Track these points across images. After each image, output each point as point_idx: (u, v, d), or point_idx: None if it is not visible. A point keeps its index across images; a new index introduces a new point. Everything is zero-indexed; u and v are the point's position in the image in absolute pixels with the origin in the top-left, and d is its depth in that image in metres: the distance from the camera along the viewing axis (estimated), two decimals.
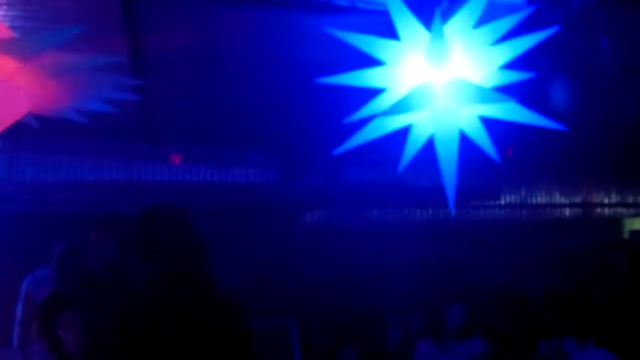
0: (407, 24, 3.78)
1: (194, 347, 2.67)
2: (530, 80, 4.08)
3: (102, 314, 4.52)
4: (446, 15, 3.92)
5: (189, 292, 2.77)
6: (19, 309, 6.25)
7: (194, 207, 2.96)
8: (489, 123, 4.33)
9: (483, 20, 3.85)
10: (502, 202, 9.13)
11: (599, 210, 9.95)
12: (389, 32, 3.89)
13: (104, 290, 4.60)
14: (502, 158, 4.44)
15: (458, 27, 3.81)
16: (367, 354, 6.59)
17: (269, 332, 7.26)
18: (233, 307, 2.84)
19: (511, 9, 4.10)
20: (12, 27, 4.30)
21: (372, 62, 4.06)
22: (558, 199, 9.49)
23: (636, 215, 10.23)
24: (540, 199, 9.39)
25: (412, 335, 6.31)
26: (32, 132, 5.57)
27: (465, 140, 4.38)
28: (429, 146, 4.40)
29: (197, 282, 2.80)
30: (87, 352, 4.77)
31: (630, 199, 10.05)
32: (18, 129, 5.18)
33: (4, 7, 4.75)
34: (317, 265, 7.53)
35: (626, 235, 10.15)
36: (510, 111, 4.15)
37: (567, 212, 9.64)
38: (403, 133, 4.41)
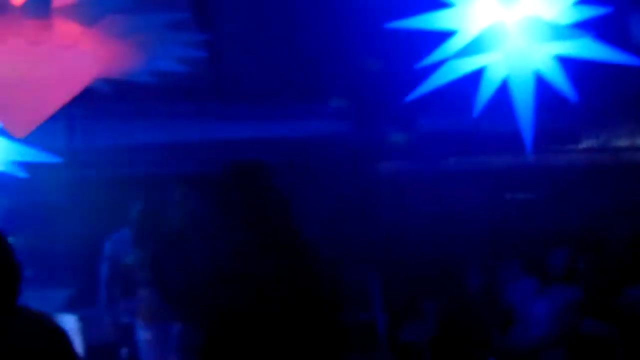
0: None
1: (284, 305, 2.61)
2: (607, 16, 3.92)
3: (183, 274, 4.58)
4: None
5: (276, 249, 2.72)
6: (103, 270, 6.40)
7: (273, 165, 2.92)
8: (565, 62, 4.18)
9: None
10: (582, 146, 8.90)
11: None
12: None
13: (184, 249, 4.64)
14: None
15: None
16: (447, 303, 6.53)
17: (349, 284, 7.27)
18: (321, 258, 2.79)
19: None
20: None
21: (441, 4, 3.95)
22: None
23: None
24: (622, 142, 9.11)
25: (496, 282, 6.24)
26: (103, 97, 5.64)
27: (541, 82, 4.25)
28: (504, 89, 4.28)
29: (284, 237, 2.75)
30: (172, 310, 4.84)
31: None
32: (89, 95, 5.23)
33: None
34: (394, 216, 7.47)
35: None
36: (587, 48, 3.99)
37: None
38: (476, 76, 4.29)
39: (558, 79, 4.23)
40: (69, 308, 7.11)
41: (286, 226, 2.77)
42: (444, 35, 4.09)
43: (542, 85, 4.24)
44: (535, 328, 5.43)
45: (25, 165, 6.41)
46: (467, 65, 4.16)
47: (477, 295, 6.53)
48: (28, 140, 6.15)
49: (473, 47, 3.87)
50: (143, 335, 5.55)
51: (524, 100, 4.17)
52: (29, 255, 7.01)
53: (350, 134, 8.10)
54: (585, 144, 8.99)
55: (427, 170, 8.08)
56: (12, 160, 6.31)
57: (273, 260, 2.70)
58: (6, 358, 2.20)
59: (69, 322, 6.80)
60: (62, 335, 2.40)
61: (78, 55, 4.22)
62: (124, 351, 6.21)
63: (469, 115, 4.53)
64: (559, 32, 3.79)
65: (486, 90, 4.33)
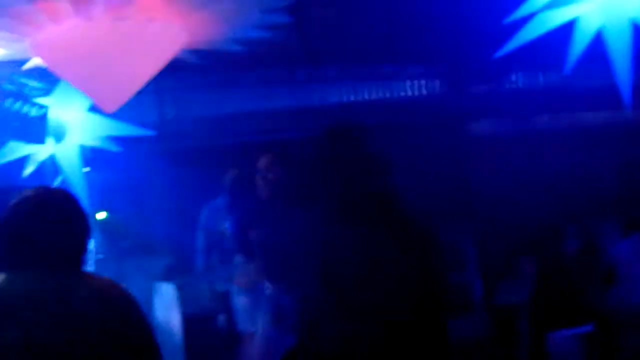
0: None
1: (381, 267, 2.57)
2: None
3: (273, 242, 4.59)
4: None
5: (374, 213, 2.66)
6: (199, 238, 6.49)
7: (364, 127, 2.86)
8: None
9: None
10: None
11: None
12: None
13: (272, 218, 4.65)
14: None
15: None
16: (545, 264, 6.39)
17: (445, 244, 7.19)
18: (422, 224, 2.73)
19: None
20: None
21: None
22: None
23: None
24: None
25: (596, 242, 6.06)
26: (193, 68, 5.67)
27: (638, 31, 4.05)
28: (598, 41, 4.10)
29: (381, 201, 2.69)
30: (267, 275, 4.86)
31: None
32: (178, 67, 5.27)
33: None
34: (488, 176, 7.33)
35: None
36: None
37: None
38: (568, 28, 4.12)
39: None
40: (167, 277, 7.27)
41: (383, 190, 2.71)
42: None
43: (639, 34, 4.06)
44: None
45: (118, 139, 6.54)
46: (558, 17, 4.01)
47: (576, 256, 6.37)
48: (120, 115, 6.28)
49: None
50: (239, 301, 5.61)
51: (620, 51, 3.99)
52: (126, 227, 7.22)
53: (442, 94, 7.96)
54: None
55: (520, 129, 7.89)
56: (105, 135, 6.45)
57: (370, 224, 2.65)
58: (69, 319, 2.22)
59: (167, 291, 6.96)
60: (129, 301, 2.39)
61: (163, 28, 4.24)
62: (221, 318, 6.31)
63: (562, 70, 4.37)
64: None
65: (579, 42, 4.16)
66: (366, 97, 7.89)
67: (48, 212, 2.35)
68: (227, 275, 5.93)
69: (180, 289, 6.76)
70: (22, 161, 6.26)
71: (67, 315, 2.21)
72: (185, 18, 4.24)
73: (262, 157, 5.03)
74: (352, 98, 7.85)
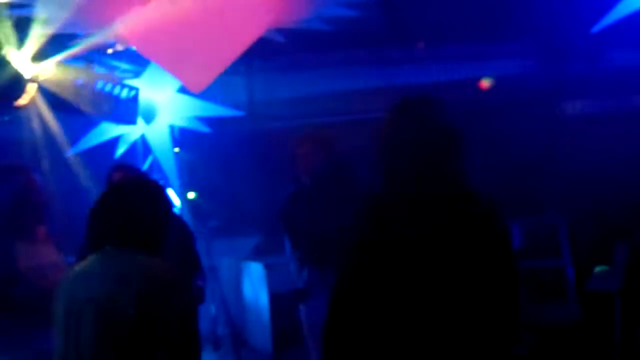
0: None
1: (443, 259, 2.41)
2: None
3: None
4: None
5: (436, 192, 2.52)
6: None
7: (453, 107, 2.74)
8: None
9: None
10: None
11: None
12: None
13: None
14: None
15: None
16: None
17: (538, 228, 7.04)
18: (488, 211, 2.54)
19: None
20: None
21: None
22: None
23: None
24: None
25: None
26: (281, 48, 5.66)
27: None
28: None
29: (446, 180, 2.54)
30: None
31: None
32: (266, 47, 5.26)
33: None
34: (582, 158, 7.09)
35: None
36: None
37: None
38: None
39: None
40: (256, 256, 7.32)
41: (453, 166, 2.54)
42: None
43: None
44: None
45: (208, 120, 6.61)
46: None
47: None
48: (210, 96, 6.33)
49: None
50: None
51: None
52: (216, 207, 7.30)
53: (535, 72, 7.74)
54: None
55: (616, 108, 7.60)
56: (195, 116, 6.53)
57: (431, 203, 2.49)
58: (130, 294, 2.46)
59: (256, 270, 7.01)
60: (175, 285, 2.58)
61: (249, 7, 4.23)
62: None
63: None
64: None
65: None
66: (456, 76, 7.72)
67: (133, 200, 2.65)
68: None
69: (268, 268, 6.79)
70: (114, 142, 6.40)
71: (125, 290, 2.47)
72: None
73: (302, 142, 4.86)
74: (441, 77, 7.71)
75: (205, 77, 4.35)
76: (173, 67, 4.44)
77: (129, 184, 2.94)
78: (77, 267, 2.65)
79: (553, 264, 6.98)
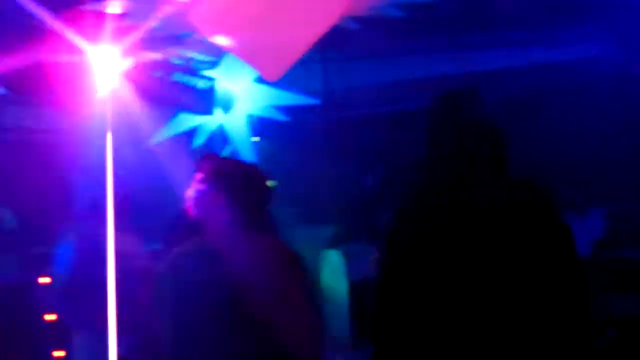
0: None
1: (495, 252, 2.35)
2: None
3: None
4: None
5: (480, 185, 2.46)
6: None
7: (530, 93, 2.66)
8: None
9: None
10: None
11: None
12: None
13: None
14: None
15: None
16: None
17: (623, 216, 6.86)
18: (537, 200, 2.45)
19: None
20: None
21: None
22: None
23: None
24: None
25: None
26: (356, 35, 5.64)
27: None
28: None
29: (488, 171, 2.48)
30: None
31: None
32: (341, 35, 5.25)
33: None
34: None
35: None
36: None
37: None
38: None
39: None
40: (335, 244, 7.33)
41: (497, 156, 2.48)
42: None
43: None
44: None
45: (285, 108, 6.65)
46: None
47: None
48: (286, 85, 6.37)
49: None
50: None
51: None
52: (294, 195, 7.33)
53: (610, 56, 7.53)
54: None
55: None
56: (271, 104, 6.57)
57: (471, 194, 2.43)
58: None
59: (335, 258, 7.02)
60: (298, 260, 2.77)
61: None
62: None
63: None
64: None
65: None
66: (533, 61, 7.58)
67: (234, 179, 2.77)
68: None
69: (347, 256, 6.80)
70: (192, 132, 6.49)
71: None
72: None
73: None
74: (520, 62, 7.57)
75: (281, 66, 4.35)
76: (248, 57, 4.47)
77: (234, 167, 3.00)
78: (184, 250, 2.74)
79: (635, 255, 6.81)
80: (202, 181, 2.84)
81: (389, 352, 2.46)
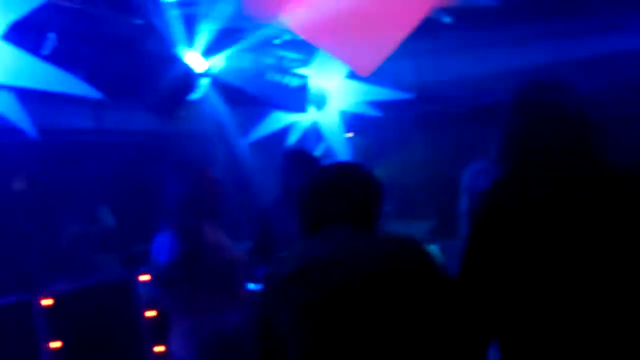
0: None
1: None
2: None
3: None
4: None
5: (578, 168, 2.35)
6: (463, 200, 6.29)
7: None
8: None
9: None
10: None
11: None
12: None
13: None
14: None
15: None
16: None
17: None
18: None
19: None
20: None
21: None
22: None
23: None
24: None
25: None
26: (448, 29, 5.56)
27: None
28: None
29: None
30: None
31: None
32: (433, 28, 5.19)
33: None
34: None
35: None
36: None
37: None
38: None
39: None
40: (431, 239, 7.26)
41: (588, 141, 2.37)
42: None
43: None
44: None
45: (377, 104, 6.61)
46: None
47: None
48: (378, 80, 6.33)
49: None
50: None
51: None
52: (388, 190, 7.28)
53: None
54: None
55: None
56: (365, 100, 6.55)
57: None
58: (373, 277, 2.38)
59: (432, 253, 6.94)
60: (425, 255, 2.52)
61: None
62: None
63: None
64: None
65: None
66: (613, 49, 7.30)
67: (347, 182, 2.58)
68: None
69: (443, 251, 6.72)
70: (286, 130, 6.53)
71: (365, 274, 2.39)
72: None
73: None
74: (619, 47, 7.31)
75: (373, 61, 4.34)
76: (341, 53, 4.47)
77: (342, 165, 2.81)
78: (298, 252, 2.52)
79: None
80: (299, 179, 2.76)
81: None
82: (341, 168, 2.71)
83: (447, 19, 4.99)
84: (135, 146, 7.43)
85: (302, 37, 4.61)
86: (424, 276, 2.43)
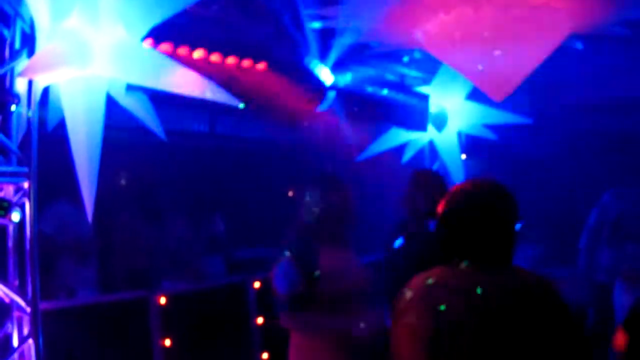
0: None
1: None
2: None
3: None
4: None
5: None
6: (593, 215, 6.03)
7: None
8: None
9: None
10: None
11: None
12: None
13: None
14: None
15: None
16: None
17: None
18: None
19: None
20: None
21: None
22: None
23: None
24: None
25: None
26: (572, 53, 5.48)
27: None
28: None
29: None
30: None
31: None
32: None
33: None
34: None
35: None
36: None
37: None
38: None
39: None
40: (539, 265, 7.12)
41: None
42: None
43: None
44: None
45: (494, 127, 6.55)
46: None
47: None
48: (496, 103, 6.26)
49: None
50: (622, 298, 5.19)
51: None
52: None
53: None
54: None
55: None
56: (482, 122, 6.50)
57: None
58: (506, 312, 2.30)
59: None
60: (553, 289, 2.41)
61: (551, 14, 4.14)
62: (591, 311, 5.92)
63: None
64: None
65: None
66: None
67: (491, 206, 2.42)
68: (613, 265, 5.52)
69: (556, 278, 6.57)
70: (401, 147, 6.52)
71: (491, 308, 2.29)
72: (571, 2, 4.11)
73: None
74: None
75: (508, 86, 4.30)
76: (474, 76, 4.45)
77: (493, 190, 2.51)
78: (441, 280, 2.40)
79: None
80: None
81: None
82: (492, 189, 2.48)
83: (579, 46, 4.92)
84: (247, 153, 7.56)
85: (437, 57, 4.61)
86: (557, 321, 2.33)
